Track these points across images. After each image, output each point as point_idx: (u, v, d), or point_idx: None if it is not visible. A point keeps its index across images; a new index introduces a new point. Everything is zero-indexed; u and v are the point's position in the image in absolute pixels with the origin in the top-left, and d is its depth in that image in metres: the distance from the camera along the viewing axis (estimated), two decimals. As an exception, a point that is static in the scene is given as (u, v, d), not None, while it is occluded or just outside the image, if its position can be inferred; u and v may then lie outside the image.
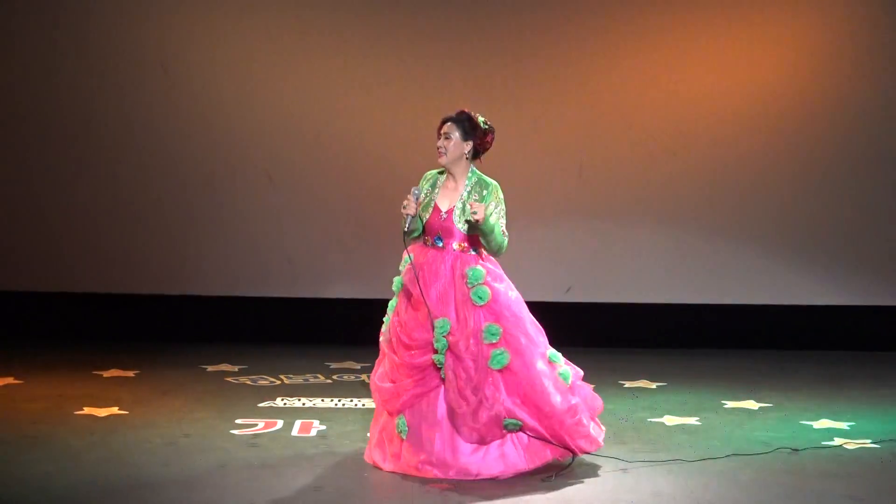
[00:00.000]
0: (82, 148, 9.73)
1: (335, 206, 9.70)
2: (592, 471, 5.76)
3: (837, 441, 6.44)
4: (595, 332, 9.46)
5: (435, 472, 5.67)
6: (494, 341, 5.64)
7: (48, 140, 9.65)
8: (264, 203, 9.75)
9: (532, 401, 5.65)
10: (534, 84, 9.51)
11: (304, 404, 7.38)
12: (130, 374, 8.24)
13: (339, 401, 7.46)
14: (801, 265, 9.66)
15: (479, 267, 5.76)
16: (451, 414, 5.69)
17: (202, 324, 9.71)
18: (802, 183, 9.62)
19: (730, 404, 7.48)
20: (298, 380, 8.13)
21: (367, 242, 9.63)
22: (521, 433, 5.71)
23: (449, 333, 5.66)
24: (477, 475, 5.63)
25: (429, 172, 6.07)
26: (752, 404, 7.47)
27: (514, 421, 5.60)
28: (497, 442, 5.70)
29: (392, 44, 9.68)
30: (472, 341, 5.66)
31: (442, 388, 5.74)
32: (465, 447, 5.69)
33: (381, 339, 6.08)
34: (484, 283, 5.74)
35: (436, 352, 5.66)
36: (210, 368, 8.44)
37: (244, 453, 6.09)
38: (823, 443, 6.42)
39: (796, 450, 6.24)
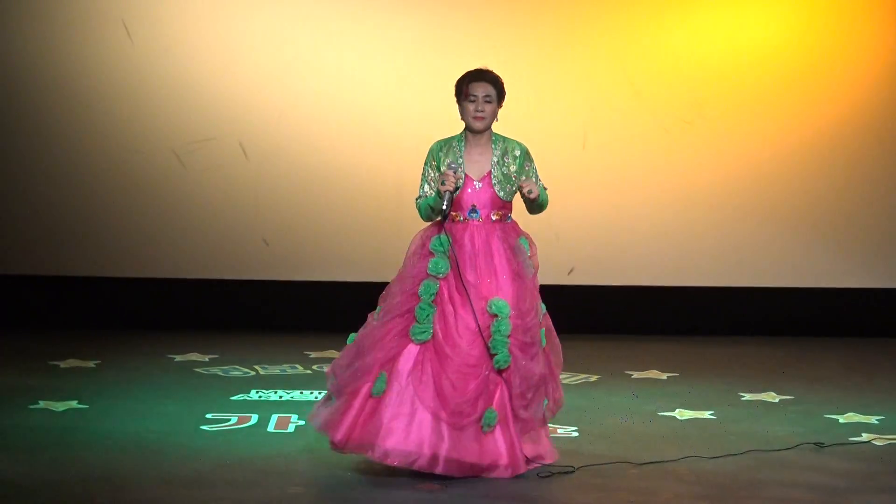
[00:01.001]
0: (36, 119, 9.84)
1: (314, 183, 9.81)
2: (597, 470, 5.88)
3: (865, 436, 6.55)
4: (600, 318, 9.65)
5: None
6: (540, 320, 6.02)
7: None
8: (238, 179, 9.82)
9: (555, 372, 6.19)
10: (533, 49, 9.65)
11: (280, 397, 7.47)
12: (90, 364, 8.31)
13: (320, 393, 7.39)
14: (826, 245, 9.82)
15: (524, 238, 6.08)
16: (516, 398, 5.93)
17: (170, 309, 9.79)
18: (827, 157, 9.78)
19: (747, 396, 7.60)
20: (275, 370, 8.23)
21: (348, 222, 9.75)
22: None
23: (514, 315, 5.90)
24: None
25: (437, 142, 6.16)
26: (771, 396, 7.58)
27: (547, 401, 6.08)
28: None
29: (375, 10, 9.84)
30: (531, 316, 5.98)
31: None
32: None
33: (415, 327, 6.14)
34: (532, 255, 6.09)
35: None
36: (178, 358, 8.55)
37: (216, 451, 6.14)
38: (850, 438, 6.52)
39: (821, 445, 6.32)
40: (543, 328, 6.07)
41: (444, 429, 5.89)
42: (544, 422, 6.20)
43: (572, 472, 5.82)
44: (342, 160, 9.74)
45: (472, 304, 5.88)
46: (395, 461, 5.81)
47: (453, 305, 5.95)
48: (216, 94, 9.81)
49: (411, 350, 6.01)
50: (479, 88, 6.02)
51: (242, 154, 9.64)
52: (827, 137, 9.71)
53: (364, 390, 5.95)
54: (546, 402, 6.06)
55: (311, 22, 9.93)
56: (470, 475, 5.85)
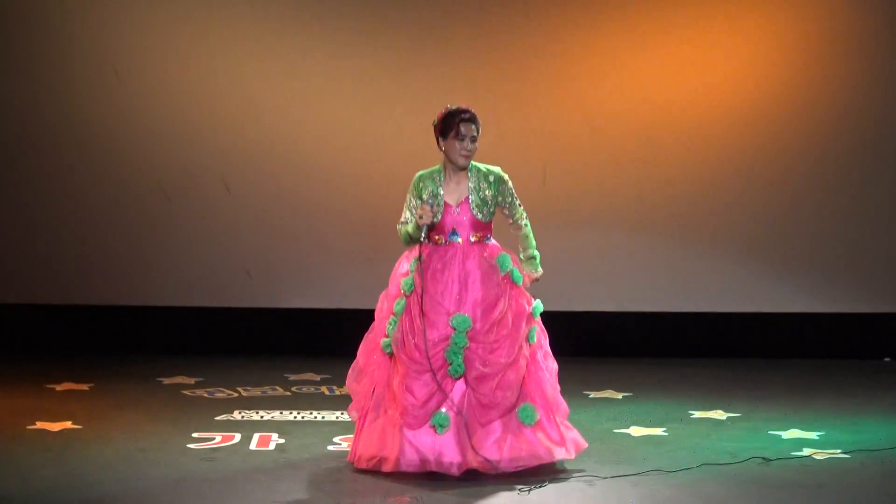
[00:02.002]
0: (33, 154, 9.81)
1: (293, 216, 9.84)
2: (557, 486, 5.87)
3: (807, 451, 6.53)
4: (560, 342, 9.52)
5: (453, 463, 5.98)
6: (537, 318, 6.19)
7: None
8: (221, 212, 9.85)
9: (544, 387, 6.16)
10: (495, 88, 9.66)
11: (262, 417, 7.47)
12: (84, 387, 8.31)
13: (299, 413, 7.55)
14: (769, 273, 9.87)
15: (504, 253, 6.15)
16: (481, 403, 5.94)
17: (158, 335, 9.80)
18: (770, 191, 9.85)
19: (697, 414, 7.58)
20: (256, 392, 8.22)
21: (325, 252, 9.74)
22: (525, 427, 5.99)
23: (471, 329, 5.93)
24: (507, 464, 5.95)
25: (419, 174, 6.24)
26: (719, 414, 7.56)
27: (528, 407, 5.99)
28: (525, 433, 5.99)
29: (351, 51, 9.85)
30: (505, 323, 6.03)
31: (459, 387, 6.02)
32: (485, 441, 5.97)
33: (384, 340, 6.23)
34: (515, 266, 6.16)
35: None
36: (166, 381, 8.55)
37: (201, 468, 6.15)
38: (793, 453, 6.51)
39: (766, 460, 6.33)
40: (535, 335, 6.22)
41: (403, 431, 6.04)
42: (542, 426, 6.13)
43: (545, 485, 5.82)
44: (319, 195, 9.77)
45: (423, 320, 6.00)
46: (360, 465, 6.09)
47: (411, 317, 6.06)
48: (200, 133, 9.85)
49: (389, 362, 6.21)
50: (469, 129, 6.10)
51: (225, 189, 9.67)
52: (769, 173, 9.78)
53: (366, 409, 6.23)
54: (529, 407, 6.01)
55: (288, 63, 9.93)
56: (422, 472, 5.96)
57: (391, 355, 6.08)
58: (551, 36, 9.71)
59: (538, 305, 6.25)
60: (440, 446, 5.89)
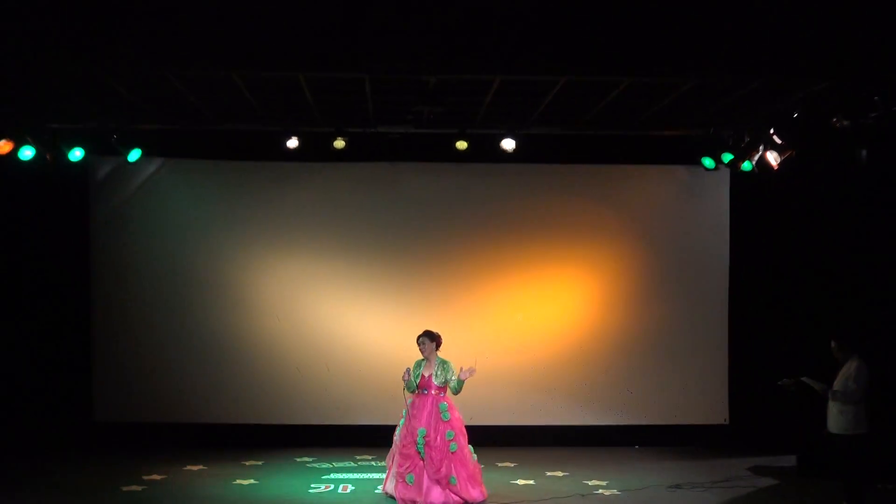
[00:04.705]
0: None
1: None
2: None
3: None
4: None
5: (415, 499, 8.63)
6: (450, 438, 8.59)
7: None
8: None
9: (464, 465, 8.68)
10: (447, 309, 11.99)
11: (344, 476, 10.07)
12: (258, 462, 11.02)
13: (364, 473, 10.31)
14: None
15: (444, 402, 8.78)
16: (430, 474, 8.53)
17: (312, 436, 11.87)
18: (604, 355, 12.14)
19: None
20: (342, 464, 10.87)
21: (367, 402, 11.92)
22: (451, 486, 8.61)
23: (426, 436, 8.54)
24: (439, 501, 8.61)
25: (416, 361, 8.89)
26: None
27: (453, 477, 8.60)
28: (447, 491, 8.63)
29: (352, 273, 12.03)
30: (439, 438, 8.54)
31: (422, 463, 8.63)
32: (436, 493, 8.63)
33: (395, 436, 8.82)
34: (448, 410, 8.69)
35: (417, 444, 8.56)
36: (298, 459, 11.21)
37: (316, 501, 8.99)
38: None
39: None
40: (455, 444, 8.57)
41: (400, 482, 8.83)
42: (460, 486, 8.65)
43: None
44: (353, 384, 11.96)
45: (408, 423, 8.54)
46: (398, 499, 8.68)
47: (408, 424, 8.68)
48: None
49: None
50: (421, 344, 8.86)
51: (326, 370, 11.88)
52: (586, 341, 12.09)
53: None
54: (454, 477, 8.58)
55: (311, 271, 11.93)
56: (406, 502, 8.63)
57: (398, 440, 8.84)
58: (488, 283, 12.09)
59: (444, 409, 8.57)
60: (411, 490, 8.78)
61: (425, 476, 8.72)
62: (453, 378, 8.73)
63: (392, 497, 8.93)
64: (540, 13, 7.66)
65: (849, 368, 8.78)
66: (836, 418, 8.80)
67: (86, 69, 8.18)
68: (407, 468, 8.88)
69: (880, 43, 7.82)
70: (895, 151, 10.05)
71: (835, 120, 9.54)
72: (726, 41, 7.84)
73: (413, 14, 7.30)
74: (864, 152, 10.20)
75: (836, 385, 8.79)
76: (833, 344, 8.91)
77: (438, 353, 8.99)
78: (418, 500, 8.73)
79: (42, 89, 9.45)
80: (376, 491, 9.56)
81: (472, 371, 8.52)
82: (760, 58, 7.89)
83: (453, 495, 8.77)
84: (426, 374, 8.82)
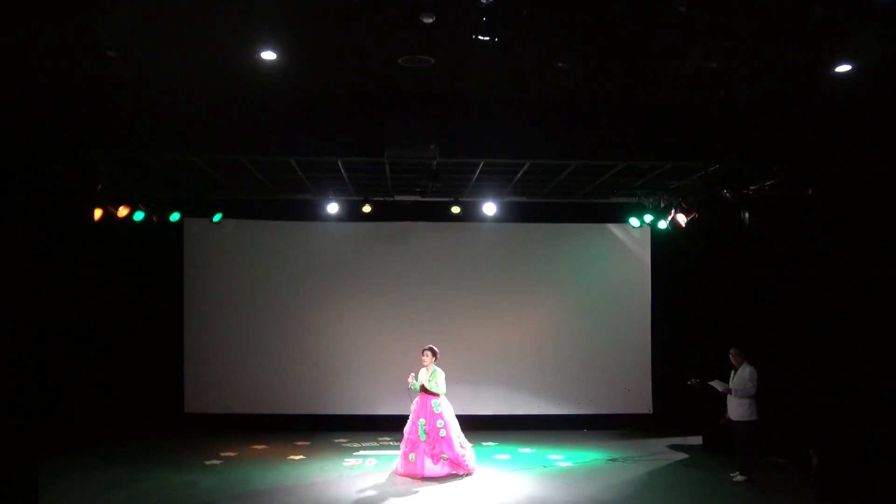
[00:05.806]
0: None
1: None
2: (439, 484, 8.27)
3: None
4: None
5: (416, 472, 8.57)
6: (440, 426, 8.65)
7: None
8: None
9: (450, 447, 8.67)
10: (446, 329, 11.80)
11: (369, 452, 10.07)
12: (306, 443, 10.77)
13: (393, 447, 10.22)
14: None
15: (435, 399, 8.77)
16: (426, 451, 8.56)
17: (349, 424, 11.59)
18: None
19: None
20: (369, 443, 10.88)
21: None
22: (445, 461, 8.70)
23: (425, 424, 8.71)
24: (435, 475, 8.53)
25: (421, 368, 8.89)
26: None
27: (445, 455, 8.66)
28: (440, 463, 8.70)
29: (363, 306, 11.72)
30: (433, 425, 8.59)
31: (423, 444, 8.67)
32: (429, 464, 8.66)
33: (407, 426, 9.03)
34: (438, 405, 8.70)
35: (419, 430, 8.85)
36: (336, 440, 11.00)
37: (347, 477, 8.68)
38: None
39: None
40: (444, 431, 8.50)
41: (404, 461, 8.77)
42: (449, 462, 8.63)
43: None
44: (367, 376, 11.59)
45: (413, 416, 8.52)
46: (403, 474, 8.68)
47: (412, 417, 8.70)
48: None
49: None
50: (423, 355, 8.85)
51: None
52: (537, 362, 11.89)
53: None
54: (445, 456, 8.60)
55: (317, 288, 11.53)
56: (409, 476, 8.52)
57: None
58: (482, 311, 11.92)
59: (436, 405, 8.43)
60: (413, 466, 8.68)
61: (424, 454, 8.81)
62: (435, 380, 8.82)
63: (402, 475, 8.84)
64: (511, 117, 8.00)
65: (744, 371, 8.82)
66: (736, 409, 8.82)
67: (182, 156, 8.53)
68: (410, 450, 8.92)
69: (755, 138, 8.14)
70: (768, 214, 10.25)
71: (725, 191, 9.90)
72: (647, 135, 8.04)
73: (420, 120, 7.68)
74: (746, 214, 10.30)
75: (736, 384, 8.83)
76: (732, 351, 8.97)
77: (435, 364, 9.04)
78: (418, 472, 8.73)
79: (154, 170, 9.70)
80: (392, 465, 9.57)
81: (411, 380, 8.67)
82: (671, 147, 8.13)
83: (445, 466, 8.81)
84: (424, 380, 8.88)
